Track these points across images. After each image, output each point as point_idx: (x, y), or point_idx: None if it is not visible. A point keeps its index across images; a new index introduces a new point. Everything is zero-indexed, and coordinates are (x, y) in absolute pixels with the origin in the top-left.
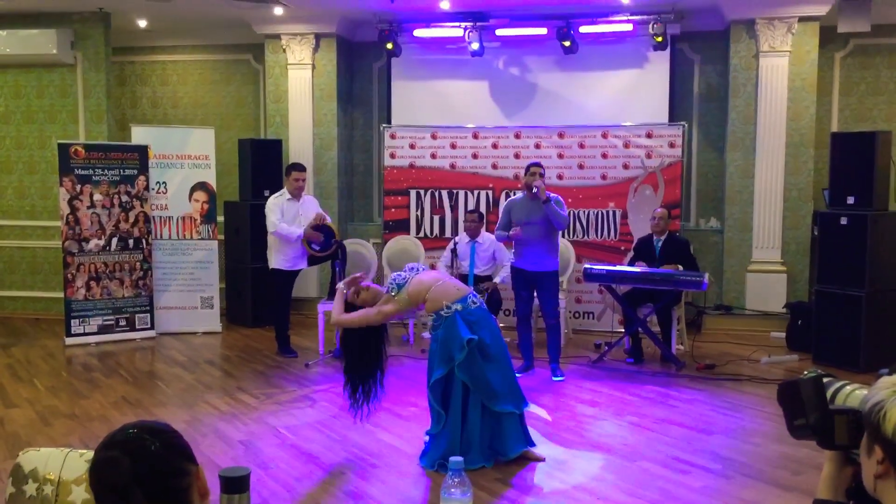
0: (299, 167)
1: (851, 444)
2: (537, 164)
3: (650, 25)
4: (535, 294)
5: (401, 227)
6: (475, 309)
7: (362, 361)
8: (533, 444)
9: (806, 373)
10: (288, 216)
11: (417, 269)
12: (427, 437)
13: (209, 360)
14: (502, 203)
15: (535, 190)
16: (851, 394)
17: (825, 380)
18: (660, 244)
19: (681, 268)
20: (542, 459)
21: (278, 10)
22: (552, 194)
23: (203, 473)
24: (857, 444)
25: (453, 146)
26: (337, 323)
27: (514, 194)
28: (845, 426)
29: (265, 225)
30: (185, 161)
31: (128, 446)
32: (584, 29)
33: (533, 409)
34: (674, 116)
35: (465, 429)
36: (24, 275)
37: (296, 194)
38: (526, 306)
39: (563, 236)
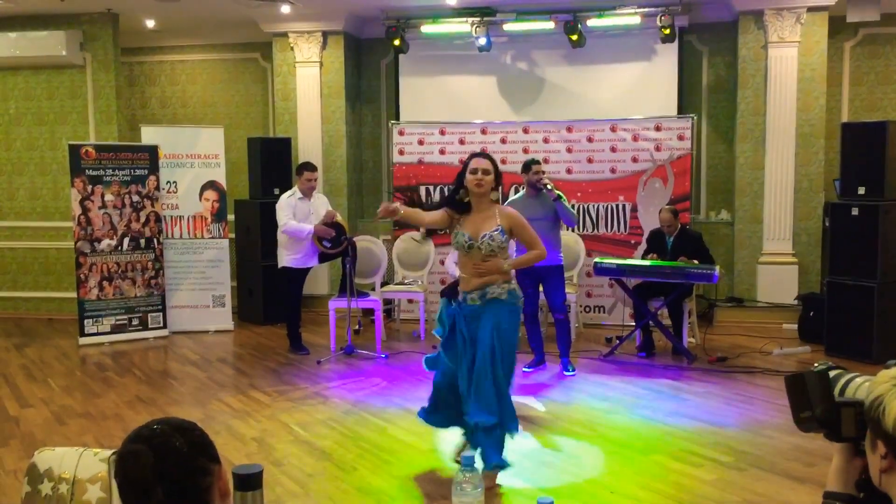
0: (311, 167)
1: (859, 435)
2: (538, 162)
3: (658, 18)
4: (542, 289)
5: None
6: (475, 307)
7: None
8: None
9: (816, 365)
10: (300, 215)
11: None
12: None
13: (222, 359)
14: (511, 197)
15: (549, 187)
16: (861, 386)
17: (835, 372)
18: (671, 239)
19: (696, 262)
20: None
21: (286, 9)
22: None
23: (225, 473)
24: (864, 435)
25: (462, 142)
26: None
27: (517, 191)
28: (852, 418)
29: (277, 223)
30: (195, 160)
31: (153, 442)
32: (591, 23)
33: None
34: (682, 109)
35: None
36: (37, 275)
37: (307, 193)
38: (532, 303)
39: (573, 230)
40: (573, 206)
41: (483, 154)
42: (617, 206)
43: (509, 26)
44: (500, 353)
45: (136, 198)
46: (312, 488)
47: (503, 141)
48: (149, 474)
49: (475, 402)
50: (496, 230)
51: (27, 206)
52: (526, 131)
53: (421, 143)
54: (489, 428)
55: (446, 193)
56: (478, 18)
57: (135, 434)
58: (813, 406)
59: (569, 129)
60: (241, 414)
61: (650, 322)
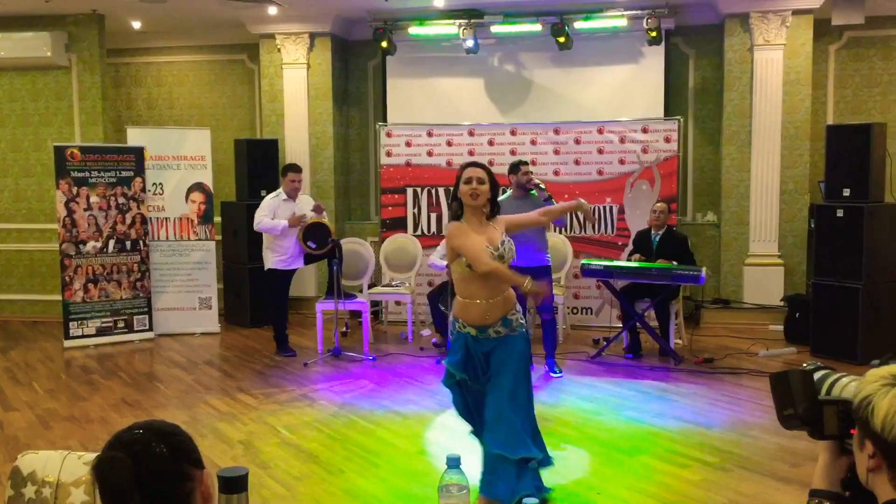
0: (295, 168)
1: (842, 434)
2: (527, 163)
3: (644, 20)
4: None
5: (398, 225)
6: (499, 338)
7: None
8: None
9: (805, 365)
10: (284, 216)
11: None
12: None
13: (208, 361)
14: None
15: (542, 187)
16: (847, 385)
17: (822, 372)
18: (657, 238)
19: (675, 263)
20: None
21: (272, 10)
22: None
23: (208, 477)
24: (847, 433)
25: (449, 143)
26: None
27: (504, 192)
28: (835, 416)
29: None
30: (182, 162)
31: (132, 448)
32: (578, 25)
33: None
34: (669, 111)
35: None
36: (22, 278)
37: (292, 195)
38: (519, 305)
39: (560, 232)
40: None
41: (476, 163)
42: (604, 207)
43: (497, 28)
44: (527, 383)
45: (121, 200)
46: (299, 491)
47: (491, 143)
48: (127, 482)
49: (505, 433)
50: (506, 237)
51: (11, 207)
52: (513, 133)
53: (409, 144)
54: (510, 459)
55: (433, 196)
56: (465, 20)
57: (115, 439)
58: (796, 404)
59: (556, 131)
60: (227, 416)
61: (637, 323)
